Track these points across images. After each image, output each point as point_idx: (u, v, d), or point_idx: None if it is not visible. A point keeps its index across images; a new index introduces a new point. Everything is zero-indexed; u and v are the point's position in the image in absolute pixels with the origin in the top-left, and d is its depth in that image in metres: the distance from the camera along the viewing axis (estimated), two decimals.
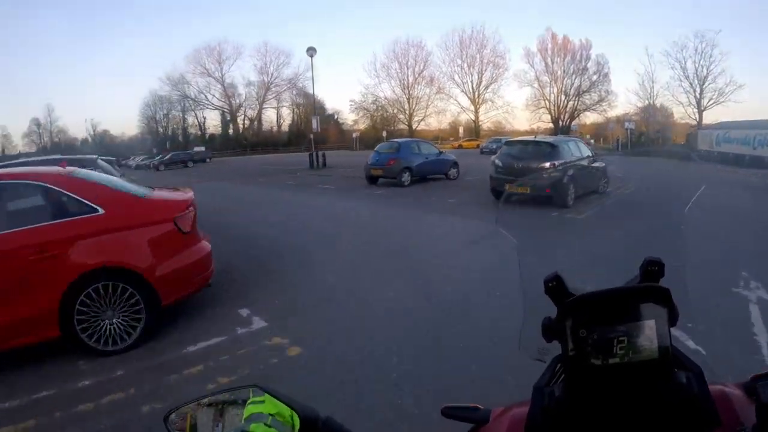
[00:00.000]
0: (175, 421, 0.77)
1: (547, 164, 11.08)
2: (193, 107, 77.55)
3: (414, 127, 73.72)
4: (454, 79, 74.11)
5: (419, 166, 17.18)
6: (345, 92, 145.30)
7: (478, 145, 49.89)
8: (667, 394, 0.74)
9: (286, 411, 0.75)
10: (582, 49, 66.69)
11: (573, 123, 62.53)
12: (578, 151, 11.98)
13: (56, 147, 68.55)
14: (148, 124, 77.58)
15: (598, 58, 66.34)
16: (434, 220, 10.14)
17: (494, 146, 32.73)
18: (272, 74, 77.40)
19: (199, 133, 77.87)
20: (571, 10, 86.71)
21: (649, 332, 0.76)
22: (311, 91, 64.55)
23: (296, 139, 72.41)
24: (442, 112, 77.86)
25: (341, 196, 15.30)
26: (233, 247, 7.98)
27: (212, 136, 78.11)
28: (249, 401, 0.76)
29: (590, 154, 12.19)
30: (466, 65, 72.64)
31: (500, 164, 11.90)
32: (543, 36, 68.18)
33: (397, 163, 16.72)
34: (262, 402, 0.75)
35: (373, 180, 17.44)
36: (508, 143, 13.10)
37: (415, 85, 74.50)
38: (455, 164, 18.50)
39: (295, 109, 78.60)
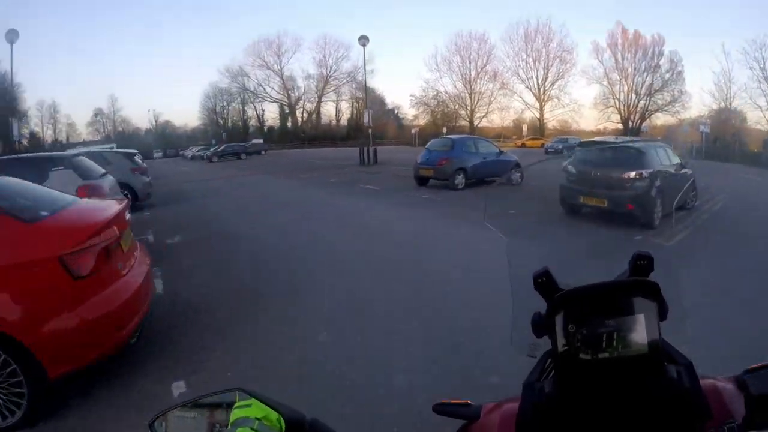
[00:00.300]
0: (160, 427, 0.76)
1: (633, 173, 8.75)
2: (252, 99, 78.40)
3: (476, 123, 70.79)
4: (518, 74, 70.35)
5: (475, 167, 14.98)
6: (406, 87, 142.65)
7: (542, 145, 46.68)
8: (657, 389, 0.74)
9: (273, 415, 0.74)
10: (654, 44, 61.43)
11: (643, 124, 58.85)
12: (667, 158, 9.48)
13: (120, 136, 70.74)
14: (209, 116, 79.11)
15: (671, 54, 60.88)
16: (491, 244, 7.94)
17: (560, 146, 29.99)
18: (331, 67, 76.86)
19: (258, 125, 78.26)
20: (642, 1, 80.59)
21: (638, 327, 0.76)
22: (370, 84, 63.10)
23: (355, 133, 71.55)
24: (505, 108, 73.76)
25: (382, 199, 13.38)
26: (219, 267, 6.52)
27: (271, 128, 78.63)
28: (235, 405, 0.74)
29: (679, 162, 9.68)
30: (531, 60, 68.80)
31: (573, 171, 9.40)
32: (613, 30, 63.23)
33: (450, 163, 14.65)
34: (249, 406, 0.74)
35: (422, 181, 15.45)
36: (584, 145, 10.55)
37: (477, 80, 71.54)
38: (517, 166, 16.08)
39: (354, 103, 77.68)
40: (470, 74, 71.70)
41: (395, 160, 26.79)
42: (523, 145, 49.99)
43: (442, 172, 14.71)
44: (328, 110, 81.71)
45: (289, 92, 78.09)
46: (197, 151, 50.82)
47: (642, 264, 0.80)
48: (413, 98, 76.04)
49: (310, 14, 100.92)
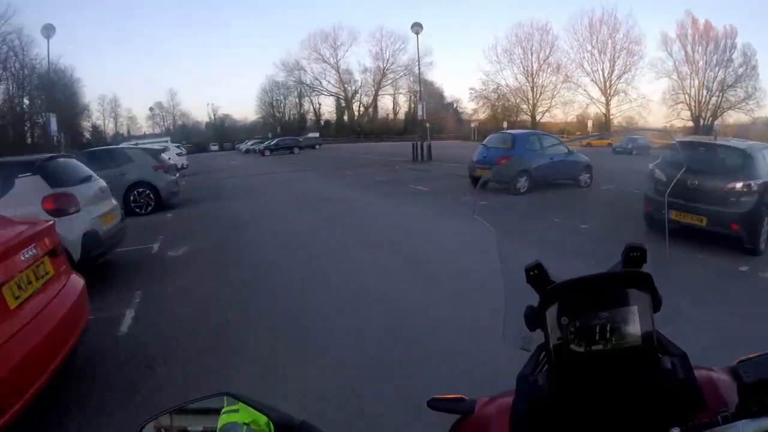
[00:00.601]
0: None
1: (739, 185, 6.86)
2: (308, 93, 78.29)
3: (537, 118, 67.32)
4: (582, 66, 66.26)
5: (540, 168, 12.94)
6: (465, 80, 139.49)
7: (609, 143, 43.07)
8: (652, 380, 0.73)
9: (261, 419, 0.71)
10: (726, 36, 56.79)
11: (715, 122, 55.18)
12: None
13: (180, 129, 72.39)
14: (266, 110, 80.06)
15: (745, 48, 56.35)
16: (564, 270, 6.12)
17: (629, 145, 27.23)
18: (388, 60, 75.72)
19: (315, 119, 78.14)
20: None
21: (632, 318, 0.76)
22: (428, 77, 61.45)
23: (412, 127, 70.16)
24: (569, 103, 69.41)
25: (430, 203, 11.70)
26: (213, 292, 5.34)
27: (327, 122, 78.45)
28: (223, 410, 0.73)
29: None
30: (596, 51, 64.66)
31: (663, 179, 7.13)
32: (682, 20, 58.57)
33: (511, 162, 12.73)
34: (236, 411, 0.72)
35: (477, 182, 13.60)
36: (687, 147, 8.17)
37: (539, 73, 68.08)
38: (588, 168, 13.96)
39: (412, 96, 75.91)
40: (532, 66, 68.47)
41: (450, 157, 24.86)
42: (589, 144, 46.10)
43: (501, 174, 12.84)
44: (385, 104, 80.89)
45: (346, 86, 77.65)
46: (251, 145, 51.20)
47: (635, 255, 0.80)
48: (473, 91, 74.17)
49: (366, 7, 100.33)
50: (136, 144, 29.46)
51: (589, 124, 60.82)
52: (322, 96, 79.03)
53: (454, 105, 76.66)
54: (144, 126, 75.33)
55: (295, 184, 17.23)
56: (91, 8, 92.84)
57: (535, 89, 68.58)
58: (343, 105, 78.83)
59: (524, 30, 68.42)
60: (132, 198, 11.21)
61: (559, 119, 67.94)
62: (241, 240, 8.01)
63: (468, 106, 76.59)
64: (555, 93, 68.29)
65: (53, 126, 17.07)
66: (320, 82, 77.35)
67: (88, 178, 6.36)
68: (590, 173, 13.76)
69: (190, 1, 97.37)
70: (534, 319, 0.80)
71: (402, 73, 75.53)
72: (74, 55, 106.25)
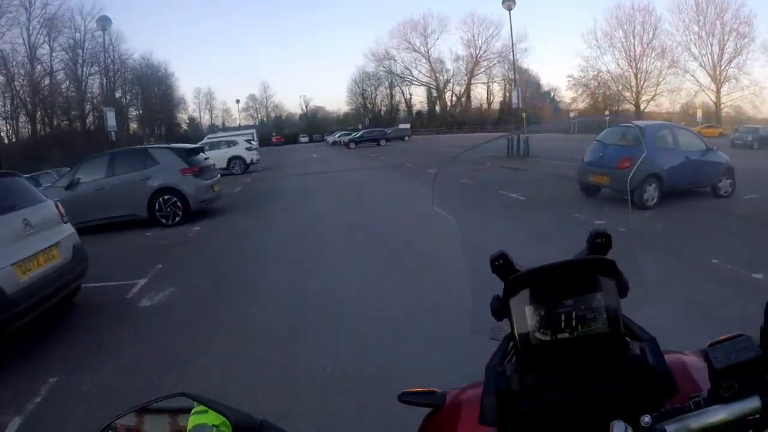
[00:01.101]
0: None
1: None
2: (399, 83, 76.00)
3: (642, 107, 60.09)
4: (690, 50, 57.74)
5: (674, 171, 9.59)
6: (563, 67, 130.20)
7: (721, 133, 36.69)
8: (620, 366, 0.73)
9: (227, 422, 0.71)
10: None
11: None
12: None
13: (276, 121, 73.35)
14: (356, 101, 79.12)
15: None
16: None
17: (749, 137, 22.57)
18: (481, 47, 71.59)
19: (406, 109, 75.98)
20: None
21: (597, 305, 0.75)
22: (523, 65, 57.11)
23: (507, 117, 66.21)
24: (675, 90, 61.12)
25: (526, 222, 8.71)
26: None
27: (419, 113, 75.79)
28: (193, 411, 0.70)
29: None
30: (704, 33, 56.15)
31: None
32: None
33: (637, 165, 9.37)
34: (205, 412, 0.70)
35: (590, 190, 10.35)
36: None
37: (643, 57, 60.22)
38: (729, 171, 10.36)
39: (507, 85, 71.41)
40: (635, 50, 60.83)
41: (550, 152, 21.39)
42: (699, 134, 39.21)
43: (623, 180, 9.56)
44: (479, 93, 77.24)
45: (437, 75, 74.77)
46: (338, 137, 50.60)
47: (600, 242, 0.81)
48: (571, 79, 67.82)
49: None
50: (222, 136, 29.60)
51: (699, 113, 53.16)
52: (413, 86, 76.72)
53: (552, 94, 71.53)
54: (238, 118, 77.68)
55: (362, 185, 15.32)
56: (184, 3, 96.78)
57: (638, 75, 61.14)
58: (435, 95, 75.85)
59: (625, 11, 61.08)
60: (157, 206, 9.47)
61: (664, 108, 60.51)
62: (253, 281, 5.76)
63: (566, 95, 70.73)
64: (660, 79, 60.56)
65: (110, 121, 16.17)
66: (410, 72, 75.18)
67: (10, 207, 4.31)
68: (732, 178, 10.25)
69: None
70: (500, 309, 0.80)
71: (495, 61, 71.28)
72: (170, 50, 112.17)
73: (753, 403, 0.65)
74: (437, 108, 76.24)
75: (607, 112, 52.77)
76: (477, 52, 71.95)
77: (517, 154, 21.25)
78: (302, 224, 9.33)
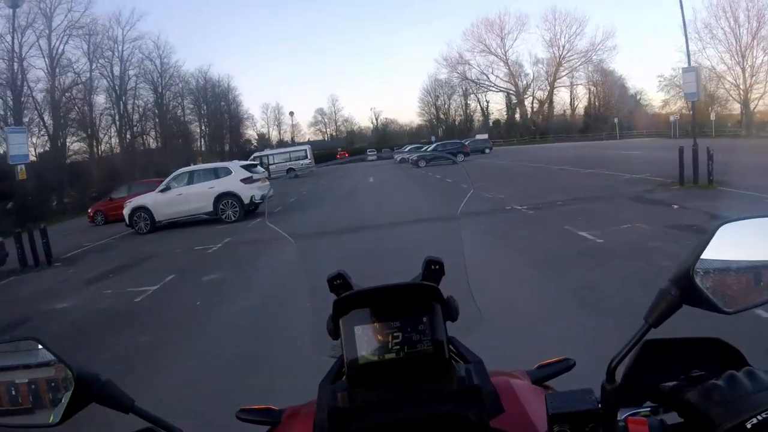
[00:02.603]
0: None
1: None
2: (474, 90, 71.85)
3: (752, 107, 51.89)
4: None
5: None
6: (650, 67, 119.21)
7: None
8: (446, 386, 0.77)
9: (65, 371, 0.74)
10: None
11: None
12: None
13: (347, 136, 71.53)
14: (429, 111, 77.02)
15: None
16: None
17: None
18: (563, 47, 66.37)
19: (482, 118, 71.93)
20: None
21: (422, 328, 0.79)
22: (608, 66, 51.48)
23: (594, 123, 60.89)
24: None
25: None
26: None
27: (496, 122, 71.77)
28: (36, 363, 0.75)
29: None
30: None
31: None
32: None
33: None
34: (49, 365, 0.74)
35: None
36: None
37: (750, 50, 51.67)
38: None
39: (592, 88, 65.85)
40: (740, 42, 52.30)
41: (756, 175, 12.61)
42: None
43: None
44: (562, 98, 71.94)
45: (516, 79, 69.85)
46: (407, 151, 41.83)
47: (434, 269, 0.88)
48: (662, 79, 60.07)
49: None
50: (273, 154, 29.84)
51: None
52: (490, 93, 72.73)
53: (638, 97, 65.53)
54: (307, 132, 77.44)
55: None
56: (246, 15, 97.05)
57: (745, 71, 52.45)
58: (514, 101, 71.34)
59: None
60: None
61: None
62: None
63: (655, 97, 65.00)
64: None
65: (15, 149, 12.68)
66: (487, 77, 71.11)
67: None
68: None
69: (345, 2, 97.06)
70: (332, 328, 0.82)
71: (580, 61, 66.12)
72: (236, 64, 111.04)
73: None
74: (517, 116, 72.12)
75: (713, 114, 45.76)
76: (560, 52, 66.99)
77: (693, 181, 12.23)
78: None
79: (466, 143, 43.89)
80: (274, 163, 38.60)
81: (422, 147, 46.37)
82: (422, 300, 0.79)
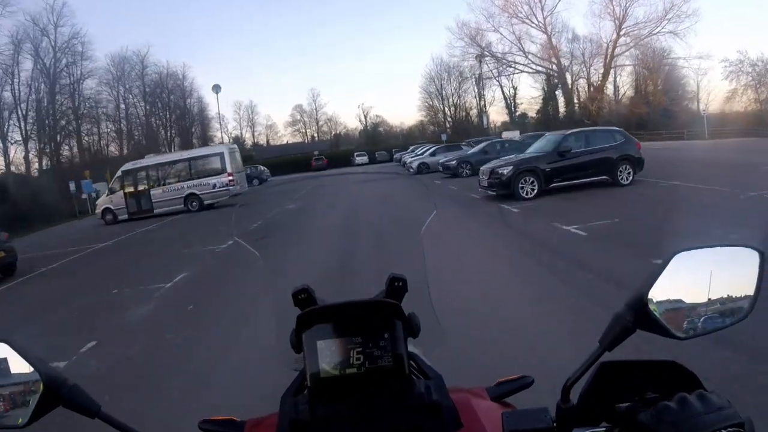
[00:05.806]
0: None
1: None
2: (497, 73, 56.79)
3: None
4: None
5: None
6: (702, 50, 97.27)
7: None
8: (405, 401, 0.79)
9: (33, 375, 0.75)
10: None
11: None
12: None
13: (330, 138, 63.80)
14: (431, 106, 64.04)
15: None
16: None
17: None
18: (620, 17, 47.89)
19: (508, 111, 58.58)
20: None
21: (384, 344, 0.81)
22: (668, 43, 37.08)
23: (660, 118, 45.12)
24: None
25: None
26: None
27: (523, 115, 61.07)
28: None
29: None
30: None
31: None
32: None
33: None
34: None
35: None
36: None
37: None
38: None
39: (644, 73, 51.75)
40: None
41: None
42: None
43: None
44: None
45: (552, 60, 51.08)
46: (411, 158, 33.44)
47: (397, 285, 0.89)
48: (727, 65, 45.11)
49: None
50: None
51: None
52: (518, 76, 57.42)
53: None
54: (284, 134, 69.38)
55: None
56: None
57: None
58: (549, 87, 52.40)
59: None
60: None
61: None
62: None
63: (719, 86, 51.05)
64: None
65: None
66: (522, 50, 53.70)
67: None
68: None
69: None
70: (295, 342, 0.84)
71: (647, 31, 47.73)
72: (197, 54, 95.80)
73: None
74: (561, 104, 53.78)
75: None
76: (619, 21, 48.61)
77: None
78: None
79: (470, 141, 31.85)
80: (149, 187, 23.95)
81: (431, 148, 33.34)
82: (384, 316, 0.82)
